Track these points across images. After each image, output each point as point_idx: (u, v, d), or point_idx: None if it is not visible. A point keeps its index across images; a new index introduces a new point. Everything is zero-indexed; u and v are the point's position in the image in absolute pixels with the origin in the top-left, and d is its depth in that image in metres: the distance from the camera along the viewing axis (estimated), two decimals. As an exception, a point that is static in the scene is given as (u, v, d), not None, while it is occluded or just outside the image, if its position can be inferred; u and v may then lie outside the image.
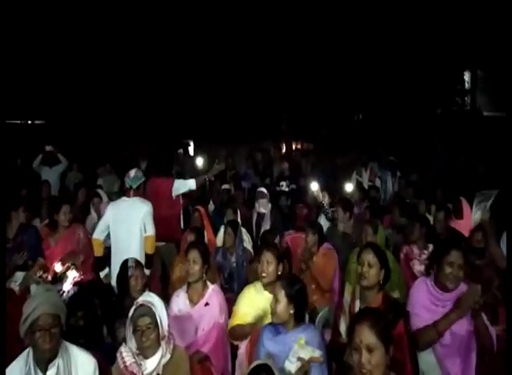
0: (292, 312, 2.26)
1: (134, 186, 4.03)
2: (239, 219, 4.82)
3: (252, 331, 2.60)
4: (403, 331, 2.27)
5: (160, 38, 11.41)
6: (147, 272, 3.55)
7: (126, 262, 3.05)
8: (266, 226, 5.74)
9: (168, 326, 2.26)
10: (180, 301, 2.84)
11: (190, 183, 4.71)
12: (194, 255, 2.82)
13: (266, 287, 2.72)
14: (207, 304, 2.78)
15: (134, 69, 11.35)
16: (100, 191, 5.92)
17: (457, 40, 11.11)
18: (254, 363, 2.05)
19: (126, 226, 3.87)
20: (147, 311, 2.17)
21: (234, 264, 3.94)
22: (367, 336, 1.66)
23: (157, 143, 10.53)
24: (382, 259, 2.47)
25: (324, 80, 11.97)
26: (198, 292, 2.82)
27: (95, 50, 11.20)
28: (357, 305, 2.53)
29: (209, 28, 11.60)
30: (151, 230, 3.91)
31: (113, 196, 5.81)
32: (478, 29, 10.89)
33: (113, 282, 3.40)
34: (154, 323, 2.16)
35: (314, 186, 5.13)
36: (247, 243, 4.42)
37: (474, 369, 2.33)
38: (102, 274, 3.89)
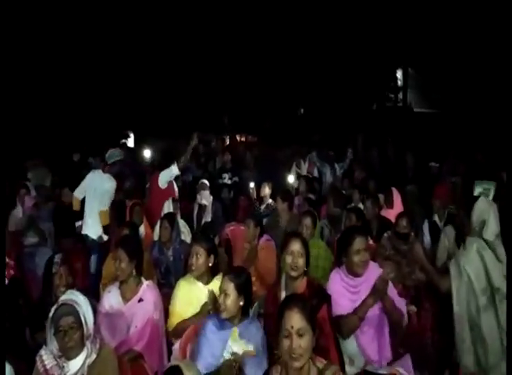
0: (241, 304, 2.25)
1: (109, 162, 4.83)
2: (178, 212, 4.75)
3: (190, 325, 2.55)
4: (326, 316, 2.35)
5: (98, 26, 10.79)
6: None
7: (51, 258, 2.88)
8: (207, 218, 5.71)
9: (95, 324, 2.15)
10: (112, 297, 2.72)
11: (173, 169, 5.03)
12: (120, 252, 2.72)
13: (198, 279, 2.68)
14: (140, 300, 2.68)
15: (72, 59, 10.62)
16: (28, 184, 5.61)
17: (391, 39, 11.71)
18: (168, 365, 2.02)
19: (93, 195, 4.73)
20: (71, 310, 2.05)
21: (171, 258, 3.85)
22: (297, 321, 1.71)
23: (94, 134, 10.02)
24: (306, 247, 2.54)
25: (266, 75, 12.09)
26: (131, 288, 2.71)
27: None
28: (283, 294, 2.57)
29: (149, 20, 11.20)
30: (105, 206, 4.68)
31: (42, 190, 5.51)
32: (409, 30, 11.54)
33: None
34: (78, 323, 2.04)
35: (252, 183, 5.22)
36: (186, 236, 4.35)
37: (389, 347, 2.48)
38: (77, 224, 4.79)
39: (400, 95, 13.29)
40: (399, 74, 13.46)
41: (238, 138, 11.24)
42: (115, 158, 4.86)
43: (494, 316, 2.69)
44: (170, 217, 4.05)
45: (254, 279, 3.74)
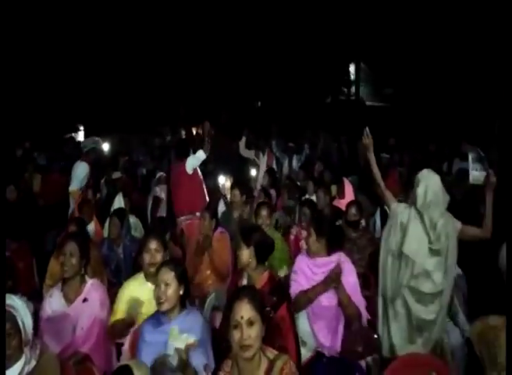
0: (181, 293, 2.22)
1: (84, 150, 5.10)
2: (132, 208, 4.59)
3: (132, 325, 2.47)
4: (285, 314, 2.38)
5: (50, 20, 10.16)
6: None
7: None
8: (163, 212, 5.57)
9: (35, 329, 2.01)
10: (54, 301, 2.56)
11: (200, 154, 5.05)
12: (71, 247, 2.55)
13: (149, 278, 2.60)
14: (85, 300, 2.55)
15: (18, 49, 9.92)
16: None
17: (344, 34, 11.97)
18: (117, 365, 1.95)
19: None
20: (7, 316, 1.91)
21: (121, 256, 3.71)
22: (247, 310, 1.71)
23: (40, 128, 9.47)
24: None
25: (223, 67, 11.98)
26: (75, 288, 2.57)
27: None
28: (244, 281, 2.62)
29: (103, 13, 10.71)
30: (72, 186, 4.92)
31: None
32: (362, 25, 11.84)
33: None
34: (16, 329, 1.90)
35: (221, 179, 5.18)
36: (138, 232, 4.21)
37: (340, 338, 2.56)
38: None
39: (353, 89, 13.65)
40: (351, 68, 13.80)
41: (194, 130, 11.07)
42: (87, 147, 5.06)
43: (393, 268, 2.82)
44: (120, 213, 3.90)
45: (208, 272, 3.77)
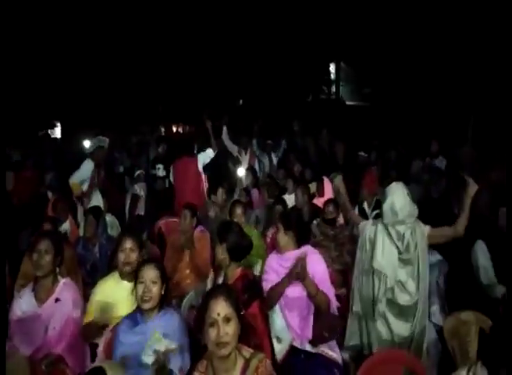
0: (163, 292, 2.21)
1: (89, 151, 5.03)
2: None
3: (105, 328, 2.42)
4: (257, 312, 2.39)
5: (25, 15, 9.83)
6: None
7: None
8: (141, 211, 5.50)
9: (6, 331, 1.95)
10: (24, 302, 2.48)
11: (209, 152, 5.24)
12: (46, 244, 2.49)
13: (124, 277, 2.56)
14: (57, 300, 2.48)
15: None
16: None
17: (325, 34, 12.06)
18: (91, 366, 1.91)
19: None
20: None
21: (97, 255, 3.63)
22: (224, 307, 1.70)
23: (15, 124, 9.18)
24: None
25: (204, 65, 11.90)
26: (47, 288, 2.50)
27: None
28: (220, 280, 2.62)
29: (80, 10, 10.46)
30: (72, 179, 4.75)
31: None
32: (342, 25, 11.95)
33: None
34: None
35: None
36: (115, 231, 4.14)
37: (310, 328, 2.58)
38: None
39: (333, 88, 13.77)
40: (332, 68, 13.92)
41: (174, 128, 10.97)
42: (93, 147, 5.01)
43: (367, 282, 2.87)
44: (96, 211, 3.82)
45: (187, 271, 3.76)
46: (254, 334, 2.25)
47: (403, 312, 2.78)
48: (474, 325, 2.38)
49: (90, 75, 11.03)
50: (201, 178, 5.22)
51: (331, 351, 2.66)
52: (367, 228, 2.90)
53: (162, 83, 11.76)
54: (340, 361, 2.70)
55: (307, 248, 2.70)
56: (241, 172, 5.44)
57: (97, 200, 4.43)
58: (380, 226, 2.83)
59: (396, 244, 2.77)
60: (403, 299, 2.77)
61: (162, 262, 3.49)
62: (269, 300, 2.60)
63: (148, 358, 1.99)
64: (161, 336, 2.03)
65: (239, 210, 3.73)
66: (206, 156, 5.24)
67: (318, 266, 2.63)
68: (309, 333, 2.60)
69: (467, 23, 9.01)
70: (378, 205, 4.35)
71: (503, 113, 8.28)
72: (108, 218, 4.09)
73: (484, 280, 3.19)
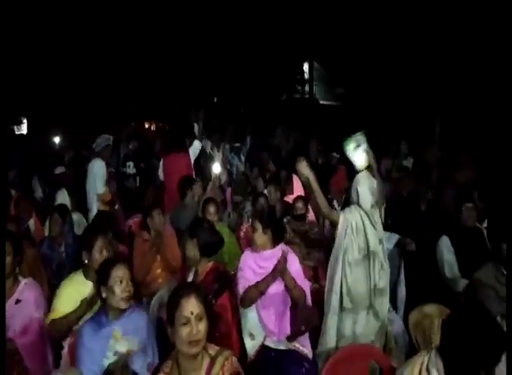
0: (132, 290, 2.17)
1: (96, 149, 5.02)
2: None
3: (76, 323, 2.36)
4: (227, 302, 2.39)
5: None
6: None
7: None
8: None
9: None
10: (-19, 304, 2.38)
11: (196, 144, 5.24)
12: (6, 246, 2.40)
13: (89, 276, 2.50)
14: (18, 301, 2.39)
15: None
16: None
17: (299, 33, 12.16)
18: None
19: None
20: None
21: (63, 255, 3.52)
22: (196, 306, 1.70)
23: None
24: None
25: (178, 63, 11.77)
26: (7, 289, 2.40)
27: None
28: (191, 276, 2.61)
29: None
30: (99, 189, 4.75)
31: None
32: (315, 25, 12.08)
33: None
34: None
35: None
36: (82, 229, 4.01)
37: (288, 323, 2.62)
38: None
39: (307, 88, 13.88)
40: (306, 67, 14.03)
41: (147, 125, 10.79)
42: (100, 146, 5.00)
43: (364, 269, 2.86)
44: (61, 209, 3.70)
45: (159, 271, 3.71)
46: (221, 324, 2.24)
47: (383, 299, 2.86)
48: (437, 318, 2.45)
49: (59, 70, 10.69)
50: (192, 173, 5.11)
51: (302, 346, 2.69)
52: (349, 216, 2.88)
53: (135, 80, 11.55)
54: (311, 356, 2.73)
55: (283, 247, 2.72)
56: (217, 169, 5.39)
57: (63, 198, 4.28)
58: (361, 212, 2.87)
59: (375, 228, 2.85)
60: (383, 282, 2.85)
61: (131, 261, 3.45)
62: (248, 298, 2.58)
63: (108, 362, 1.94)
64: (123, 336, 1.98)
65: (212, 208, 3.71)
66: (195, 149, 5.19)
67: (293, 263, 2.66)
68: (287, 329, 2.62)
69: (435, 25, 9.28)
70: (346, 203, 4.42)
71: (469, 114, 8.62)
72: (75, 216, 3.98)
73: (448, 274, 3.30)
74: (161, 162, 5.29)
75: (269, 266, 2.62)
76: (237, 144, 7.13)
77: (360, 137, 3.04)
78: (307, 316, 2.62)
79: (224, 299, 2.39)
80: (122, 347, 1.94)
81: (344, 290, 2.83)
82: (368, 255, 2.85)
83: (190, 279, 2.63)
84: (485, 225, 3.67)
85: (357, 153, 2.99)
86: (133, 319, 2.14)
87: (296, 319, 2.63)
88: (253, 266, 2.66)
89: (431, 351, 1.66)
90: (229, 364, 1.73)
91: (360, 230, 2.86)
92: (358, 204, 2.88)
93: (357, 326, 2.84)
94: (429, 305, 2.54)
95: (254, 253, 2.71)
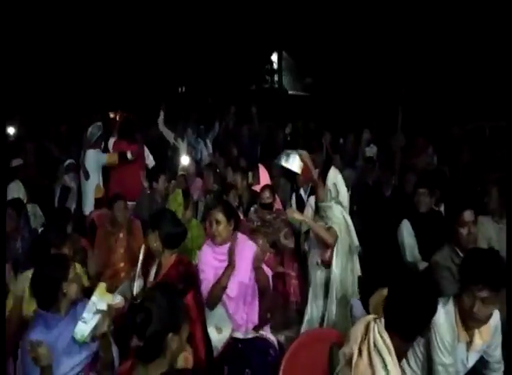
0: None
1: (92, 140, 4.94)
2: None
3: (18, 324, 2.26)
4: (192, 303, 2.34)
5: None
6: None
7: None
8: (72, 203, 5.19)
9: None
10: None
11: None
12: None
13: None
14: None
15: None
16: None
17: (268, 23, 12.09)
18: None
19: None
20: None
21: (20, 250, 3.37)
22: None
23: None
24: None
25: (145, 53, 11.48)
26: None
27: None
28: (153, 271, 2.52)
29: None
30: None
31: None
32: (284, 15, 12.04)
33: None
34: None
35: None
36: (39, 219, 3.87)
37: (256, 312, 2.60)
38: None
39: (276, 78, 13.87)
40: (274, 58, 13.99)
41: (112, 115, 10.44)
42: (93, 137, 4.93)
43: (347, 262, 3.01)
44: (16, 203, 3.53)
45: (122, 264, 3.64)
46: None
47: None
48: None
49: (20, 58, 10.16)
50: (144, 165, 5.09)
51: (267, 333, 2.70)
52: (337, 214, 3.01)
53: (100, 69, 11.16)
54: (275, 342, 2.74)
55: (238, 235, 2.70)
56: (185, 160, 5.33)
57: (17, 191, 4.06)
58: (340, 208, 3.03)
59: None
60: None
61: (94, 255, 3.35)
62: (213, 298, 2.50)
63: (86, 326, 1.85)
64: (105, 289, 1.92)
65: (179, 197, 3.66)
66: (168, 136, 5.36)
67: (247, 249, 2.64)
68: (255, 318, 2.61)
69: (396, 15, 9.45)
70: (312, 191, 4.46)
71: (429, 102, 8.87)
72: (30, 207, 3.80)
73: (409, 257, 3.38)
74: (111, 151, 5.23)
75: (221, 250, 2.59)
76: (202, 127, 7.07)
77: (288, 151, 3.31)
78: (272, 303, 2.64)
79: (189, 298, 2.32)
80: (105, 304, 1.87)
81: (334, 282, 2.95)
82: (351, 248, 3.00)
83: (153, 271, 2.55)
84: (442, 209, 3.78)
85: (290, 161, 3.25)
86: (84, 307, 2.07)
87: (261, 307, 2.62)
88: (213, 263, 2.58)
89: (381, 316, 1.71)
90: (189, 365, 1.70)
91: (345, 228, 3.01)
92: (337, 201, 3.01)
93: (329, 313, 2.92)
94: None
95: (214, 247, 2.62)
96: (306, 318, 3.07)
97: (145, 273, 2.63)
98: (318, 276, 3.07)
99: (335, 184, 3.03)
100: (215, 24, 11.53)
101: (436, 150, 5.55)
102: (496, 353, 2.06)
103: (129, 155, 4.86)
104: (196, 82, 12.78)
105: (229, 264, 2.52)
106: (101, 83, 11.33)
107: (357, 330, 1.72)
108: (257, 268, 2.59)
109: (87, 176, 4.90)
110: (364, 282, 3.10)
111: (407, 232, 3.40)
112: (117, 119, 10.42)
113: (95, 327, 1.87)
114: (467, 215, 2.60)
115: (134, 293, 2.45)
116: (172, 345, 1.47)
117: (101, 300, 1.88)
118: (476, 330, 1.98)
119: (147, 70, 11.75)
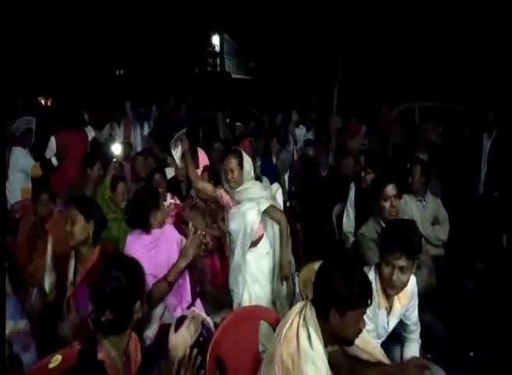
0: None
1: (17, 133, 4.58)
2: None
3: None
4: None
5: None
6: None
7: None
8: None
9: None
10: None
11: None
12: None
13: None
14: None
15: None
16: None
17: (208, 5, 11.79)
18: None
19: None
20: None
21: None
22: None
23: None
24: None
25: (82, 36, 10.80)
26: None
27: None
28: (72, 265, 2.34)
29: None
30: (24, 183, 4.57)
31: None
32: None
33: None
34: None
35: None
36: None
37: (189, 292, 2.54)
38: None
39: (219, 61, 13.65)
40: (217, 40, 13.73)
41: (42, 101, 9.79)
42: (20, 129, 4.59)
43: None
44: None
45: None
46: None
47: None
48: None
49: None
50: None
51: (202, 313, 2.66)
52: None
53: (31, 51, 10.35)
54: (212, 324, 2.71)
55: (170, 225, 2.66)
56: (116, 148, 5.12)
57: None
58: None
59: None
60: None
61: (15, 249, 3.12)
62: (157, 295, 2.32)
63: None
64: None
65: (122, 186, 3.45)
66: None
67: (175, 235, 2.60)
68: (189, 296, 2.55)
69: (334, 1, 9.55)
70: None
71: (364, 83, 9.16)
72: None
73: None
74: (52, 140, 4.84)
75: (157, 243, 2.48)
76: (142, 110, 6.86)
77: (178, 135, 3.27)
78: (200, 278, 2.60)
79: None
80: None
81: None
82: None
83: (72, 265, 2.34)
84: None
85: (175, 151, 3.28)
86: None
87: (191, 282, 2.57)
88: (143, 253, 2.38)
89: (308, 301, 1.72)
90: None
91: None
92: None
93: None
94: (318, 261, 2.64)
95: (142, 235, 2.47)
96: (239, 299, 3.03)
97: (59, 268, 2.47)
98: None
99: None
100: (157, 6, 11.10)
101: (368, 130, 5.74)
102: (413, 316, 2.18)
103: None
104: (136, 64, 12.29)
105: (182, 257, 2.33)
106: (35, 66, 10.54)
107: (293, 311, 1.71)
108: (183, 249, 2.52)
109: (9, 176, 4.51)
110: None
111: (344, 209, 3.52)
112: (48, 104, 9.78)
113: None
114: (390, 189, 2.69)
115: (47, 290, 2.28)
116: (138, 314, 1.47)
117: None
118: (395, 296, 2.08)
119: (86, 53, 11.08)
